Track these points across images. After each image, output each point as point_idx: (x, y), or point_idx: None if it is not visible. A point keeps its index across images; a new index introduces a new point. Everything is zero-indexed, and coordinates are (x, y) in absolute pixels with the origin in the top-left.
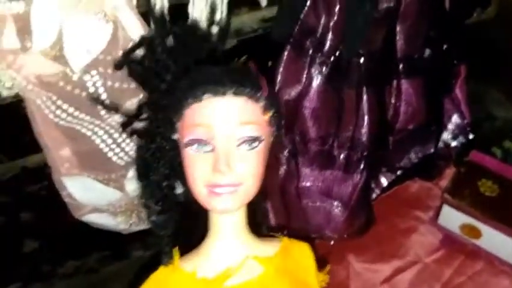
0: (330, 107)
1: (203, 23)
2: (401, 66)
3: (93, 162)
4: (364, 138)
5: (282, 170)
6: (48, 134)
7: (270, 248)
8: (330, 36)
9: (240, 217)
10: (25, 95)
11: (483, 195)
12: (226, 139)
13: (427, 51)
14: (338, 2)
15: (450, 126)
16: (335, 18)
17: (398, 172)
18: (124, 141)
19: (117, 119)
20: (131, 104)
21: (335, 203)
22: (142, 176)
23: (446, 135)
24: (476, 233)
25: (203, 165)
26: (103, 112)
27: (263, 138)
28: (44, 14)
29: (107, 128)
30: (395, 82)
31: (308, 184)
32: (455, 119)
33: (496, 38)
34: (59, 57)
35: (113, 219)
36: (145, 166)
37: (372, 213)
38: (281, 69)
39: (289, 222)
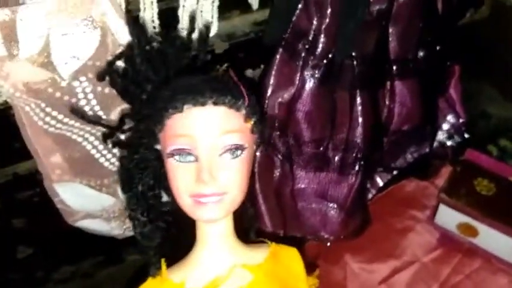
0: (324, 109)
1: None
2: (394, 67)
3: (85, 168)
4: (358, 140)
5: (277, 172)
6: (38, 141)
7: (258, 254)
8: (322, 39)
9: (226, 225)
10: (13, 102)
11: (479, 194)
12: (208, 149)
13: (420, 53)
14: (330, 4)
15: (445, 126)
16: (327, 21)
17: (394, 172)
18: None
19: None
20: (121, 109)
21: (331, 205)
22: (127, 187)
23: (441, 135)
24: (473, 232)
25: (187, 175)
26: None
27: (246, 146)
28: (30, 22)
29: (98, 134)
30: (388, 83)
31: (303, 186)
32: (450, 118)
33: (490, 37)
34: (47, 64)
35: (107, 224)
36: (129, 177)
37: (368, 214)
38: (274, 72)
39: (285, 224)
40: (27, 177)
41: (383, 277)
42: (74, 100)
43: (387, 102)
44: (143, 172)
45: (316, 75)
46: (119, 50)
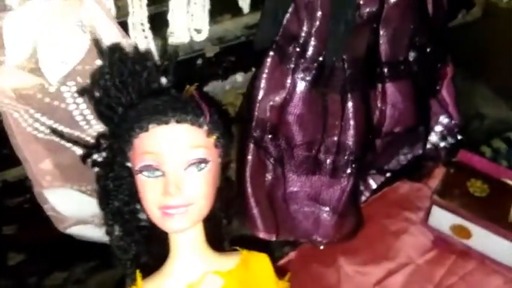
0: (315, 112)
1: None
2: (385, 70)
3: (75, 173)
4: (350, 143)
5: (269, 176)
6: (28, 148)
7: (229, 261)
8: (312, 42)
9: (196, 234)
10: (2, 108)
11: (472, 196)
12: (174, 163)
13: (411, 54)
14: (320, 8)
15: (438, 128)
16: (317, 24)
17: (387, 174)
18: None
19: (98, 129)
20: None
21: (323, 208)
22: (103, 203)
23: (434, 136)
24: (467, 233)
25: (155, 189)
26: (82, 123)
27: (209, 159)
28: (17, 27)
29: (88, 138)
30: (380, 86)
31: (295, 189)
32: (443, 119)
33: (483, 38)
34: (36, 70)
35: (99, 230)
36: (105, 194)
37: (361, 217)
38: (265, 75)
39: (278, 228)
40: (16, 184)
41: (377, 279)
42: (63, 105)
43: (379, 105)
44: (118, 189)
45: (307, 78)
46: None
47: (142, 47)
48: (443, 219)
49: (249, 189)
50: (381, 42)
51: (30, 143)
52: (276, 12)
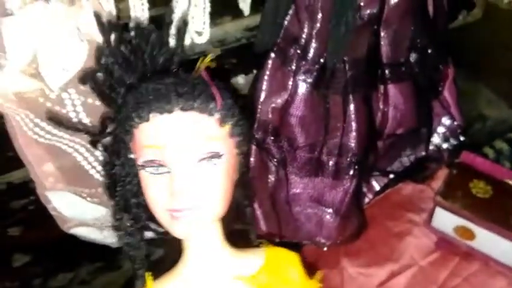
0: (317, 114)
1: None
2: (387, 71)
3: (76, 178)
4: (352, 144)
5: (272, 177)
6: (30, 151)
7: (253, 262)
8: (313, 44)
9: (211, 236)
10: (4, 112)
11: (475, 197)
12: (180, 159)
13: (413, 56)
14: (320, 10)
15: (440, 129)
16: (318, 26)
17: (390, 176)
18: None
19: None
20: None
21: (326, 210)
22: (111, 193)
23: (437, 138)
24: (470, 235)
25: (160, 188)
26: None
27: (223, 152)
28: (17, 33)
29: (88, 145)
30: (382, 87)
31: (298, 191)
32: (445, 121)
33: (485, 39)
34: (36, 75)
35: (100, 233)
36: (112, 183)
37: (364, 218)
38: (266, 77)
39: (281, 229)
40: (21, 186)
41: (381, 281)
42: (63, 111)
43: (381, 106)
44: (125, 178)
45: (308, 80)
46: None
47: None
48: (446, 220)
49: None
50: (382, 43)
51: (31, 146)
52: (277, 14)
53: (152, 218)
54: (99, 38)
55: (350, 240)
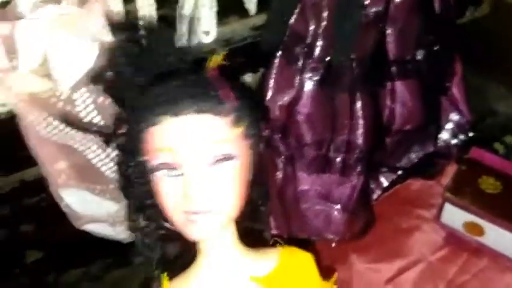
0: (324, 111)
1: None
2: (393, 68)
3: (88, 175)
4: (360, 141)
5: (280, 175)
6: (42, 149)
7: (267, 262)
8: (320, 42)
9: (227, 237)
10: (17, 111)
11: (485, 192)
12: (194, 162)
13: (420, 53)
14: (326, 8)
15: (449, 125)
16: (324, 24)
17: (399, 172)
18: None
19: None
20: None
21: (334, 206)
22: (126, 193)
23: (445, 134)
24: (479, 231)
25: (174, 191)
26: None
27: (236, 154)
28: (29, 36)
29: (101, 142)
30: (389, 84)
31: (306, 188)
32: (454, 117)
33: (493, 35)
34: (48, 75)
35: (112, 229)
36: (127, 183)
37: (372, 215)
38: (273, 75)
39: (289, 226)
40: (34, 183)
41: (389, 277)
42: (75, 111)
43: (388, 103)
44: (140, 178)
45: (315, 78)
46: None
47: None
48: (455, 216)
49: None
50: (388, 41)
51: (44, 144)
52: (283, 13)
53: (165, 220)
54: (109, 39)
55: (358, 236)
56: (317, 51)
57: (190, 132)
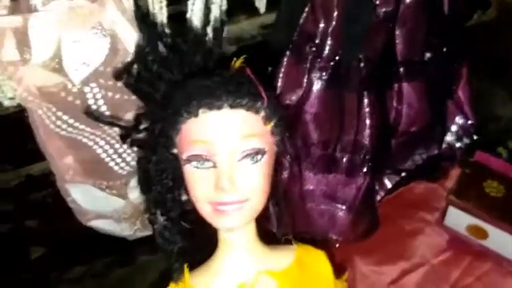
0: (331, 111)
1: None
2: (401, 69)
3: (95, 170)
4: (366, 142)
5: (285, 174)
6: (51, 143)
7: (283, 259)
8: (329, 41)
9: (249, 231)
10: (26, 105)
11: (488, 196)
12: (227, 155)
13: (427, 55)
14: (336, 8)
15: (454, 128)
16: (334, 23)
17: (402, 174)
18: (125, 151)
19: (117, 129)
20: (131, 115)
21: (339, 206)
22: (145, 189)
23: (450, 137)
24: (483, 234)
25: (205, 182)
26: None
27: (266, 149)
28: (41, 28)
29: (108, 138)
30: (396, 85)
31: (311, 187)
32: (459, 120)
33: (499, 38)
34: (59, 69)
35: (118, 225)
36: (147, 178)
37: (377, 216)
38: (281, 74)
39: (294, 225)
40: (40, 178)
41: (393, 279)
42: (84, 105)
43: (394, 104)
44: (161, 174)
45: (323, 78)
46: (130, 56)
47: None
48: (459, 219)
49: None
50: (397, 42)
51: (53, 139)
52: (293, 12)
53: (184, 214)
54: (121, 33)
55: (362, 238)
56: (326, 51)
57: (225, 126)
